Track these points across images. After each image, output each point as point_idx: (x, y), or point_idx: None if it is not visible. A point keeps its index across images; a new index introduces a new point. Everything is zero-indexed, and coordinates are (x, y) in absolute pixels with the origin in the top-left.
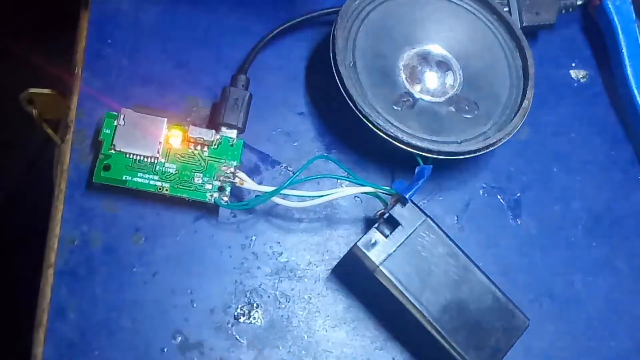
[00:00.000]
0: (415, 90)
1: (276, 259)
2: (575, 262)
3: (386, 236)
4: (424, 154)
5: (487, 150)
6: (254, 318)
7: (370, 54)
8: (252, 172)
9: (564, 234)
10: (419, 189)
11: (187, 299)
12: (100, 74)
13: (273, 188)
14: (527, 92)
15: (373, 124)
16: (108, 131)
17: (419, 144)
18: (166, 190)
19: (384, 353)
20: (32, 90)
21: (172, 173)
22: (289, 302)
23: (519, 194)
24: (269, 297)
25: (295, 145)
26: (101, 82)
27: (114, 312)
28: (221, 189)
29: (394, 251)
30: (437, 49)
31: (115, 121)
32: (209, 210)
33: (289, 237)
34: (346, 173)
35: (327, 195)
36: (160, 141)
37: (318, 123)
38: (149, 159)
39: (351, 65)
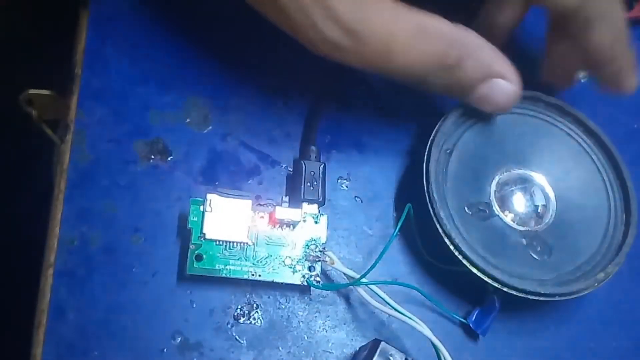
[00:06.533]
0: (497, 206)
1: None
2: None
3: None
4: (471, 267)
5: (534, 298)
6: (254, 318)
7: (472, 151)
8: (252, 172)
9: None
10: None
11: (186, 299)
12: (100, 74)
13: (357, 275)
14: (608, 268)
15: (440, 224)
16: (195, 219)
17: (471, 256)
18: (259, 276)
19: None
20: (32, 91)
21: (263, 257)
22: (288, 302)
23: None
24: (268, 297)
25: (295, 145)
26: (101, 82)
27: (113, 312)
28: (311, 269)
29: None
30: (541, 180)
31: (201, 207)
32: None
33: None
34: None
35: (406, 316)
36: (248, 224)
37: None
38: (239, 244)
39: (447, 151)
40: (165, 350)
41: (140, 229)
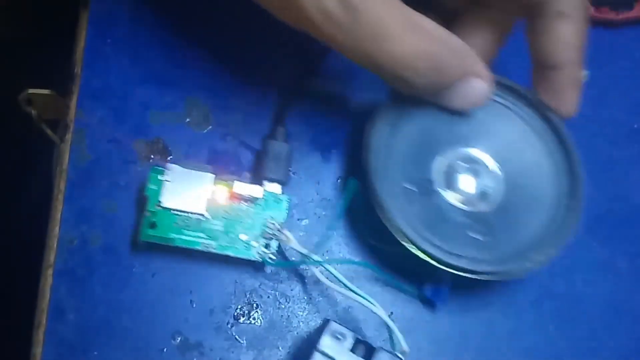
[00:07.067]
0: (440, 184)
1: None
2: (576, 262)
3: None
4: (403, 242)
5: (466, 275)
6: (254, 318)
7: (420, 128)
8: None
9: None
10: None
11: (186, 299)
12: (100, 73)
13: (317, 258)
14: (549, 250)
15: (374, 196)
16: (154, 187)
17: (406, 230)
18: (212, 248)
19: None
20: (31, 90)
21: (218, 230)
22: (288, 302)
23: None
24: (268, 297)
25: (295, 145)
26: (101, 82)
27: (113, 312)
28: (267, 247)
29: None
30: (489, 161)
31: (161, 176)
32: None
33: None
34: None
35: (361, 296)
36: (207, 197)
37: (318, 123)
38: (195, 215)
39: (393, 126)
40: (165, 350)
41: None
